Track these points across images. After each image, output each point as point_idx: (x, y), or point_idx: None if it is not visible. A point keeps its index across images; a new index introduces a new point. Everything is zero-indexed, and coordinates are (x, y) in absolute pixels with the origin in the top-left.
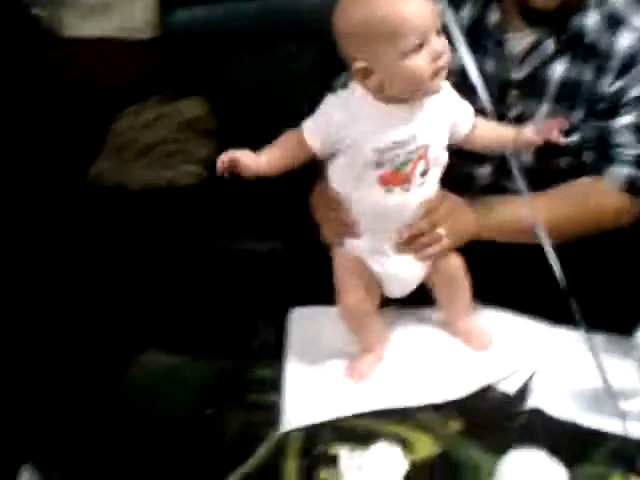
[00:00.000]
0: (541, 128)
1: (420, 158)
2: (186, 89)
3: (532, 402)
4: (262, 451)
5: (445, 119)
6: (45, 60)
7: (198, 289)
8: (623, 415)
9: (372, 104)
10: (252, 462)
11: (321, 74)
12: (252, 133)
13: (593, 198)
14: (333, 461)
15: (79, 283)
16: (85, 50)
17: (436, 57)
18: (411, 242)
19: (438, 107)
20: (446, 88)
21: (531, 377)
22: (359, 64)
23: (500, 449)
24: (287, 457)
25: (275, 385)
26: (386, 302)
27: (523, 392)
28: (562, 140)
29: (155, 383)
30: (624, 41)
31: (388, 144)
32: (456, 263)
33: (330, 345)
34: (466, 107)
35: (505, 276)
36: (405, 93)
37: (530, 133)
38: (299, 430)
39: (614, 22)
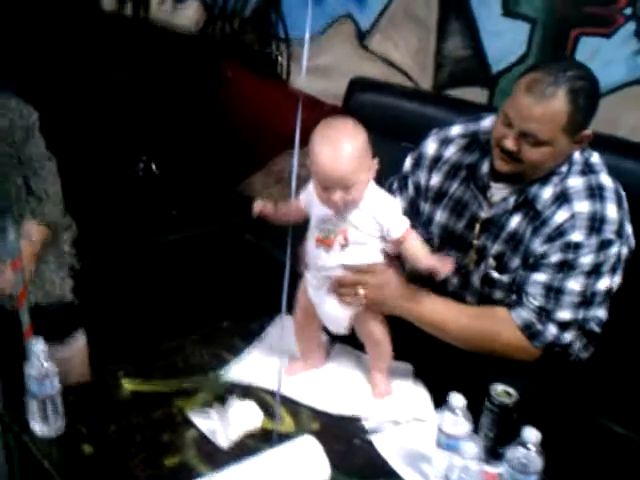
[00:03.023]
0: (436, 263)
1: (340, 234)
2: None
3: (373, 437)
4: (197, 378)
5: (372, 221)
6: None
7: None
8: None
9: None
10: (189, 379)
11: None
12: None
13: (496, 324)
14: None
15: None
16: (293, 99)
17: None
18: (336, 288)
19: (369, 212)
20: (385, 203)
21: (387, 425)
22: None
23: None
24: (206, 389)
25: (239, 352)
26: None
27: (374, 431)
28: (441, 277)
29: None
30: (560, 217)
31: (324, 217)
32: (376, 324)
33: (289, 345)
34: (401, 221)
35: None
36: None
37: (427, 263)
38: (226, 381)
39: (562, 199)
